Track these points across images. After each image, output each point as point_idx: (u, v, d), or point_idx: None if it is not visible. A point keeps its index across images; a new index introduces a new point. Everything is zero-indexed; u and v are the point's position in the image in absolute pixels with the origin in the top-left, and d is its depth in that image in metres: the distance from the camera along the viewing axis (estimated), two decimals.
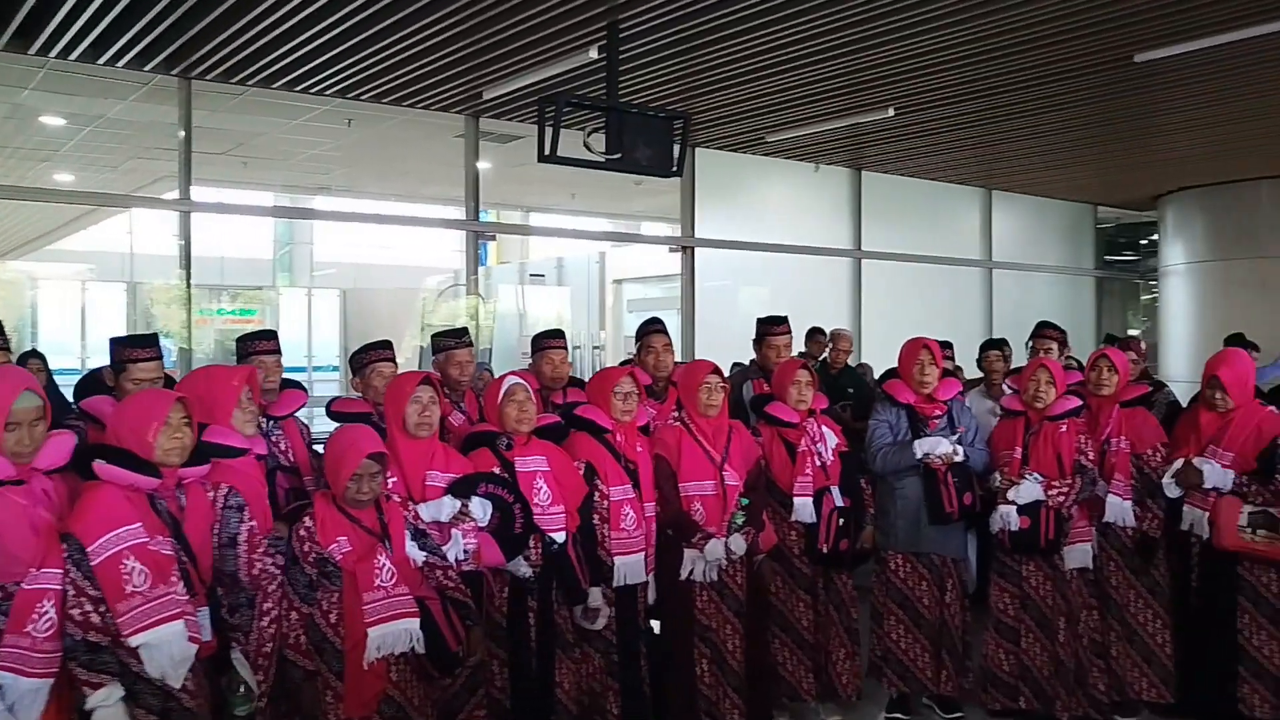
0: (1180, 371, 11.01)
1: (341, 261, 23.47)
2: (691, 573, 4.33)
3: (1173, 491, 4.79)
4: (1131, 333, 12.30)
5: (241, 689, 3.22)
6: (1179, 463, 4.78)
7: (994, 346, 6.46)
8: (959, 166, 10.79)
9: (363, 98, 7.93)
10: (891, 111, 8.06)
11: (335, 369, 20.05)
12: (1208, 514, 4.65)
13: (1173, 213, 11.85)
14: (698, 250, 9.87)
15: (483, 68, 7.09)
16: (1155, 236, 12.57)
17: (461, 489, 3.80)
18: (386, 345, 4.51)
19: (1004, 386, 6.09)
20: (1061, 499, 4.68)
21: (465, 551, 3.69)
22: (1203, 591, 4.84)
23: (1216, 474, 4.66)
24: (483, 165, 9.02)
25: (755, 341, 5.74)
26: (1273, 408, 4.84)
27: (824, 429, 4.84)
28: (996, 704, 4.87)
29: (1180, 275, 11.69)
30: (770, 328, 5.65)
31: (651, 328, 5.13)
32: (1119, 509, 4.80)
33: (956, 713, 4.91)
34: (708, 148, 9.60)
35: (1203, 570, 4.84)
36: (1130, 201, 12.89)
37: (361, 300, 21.35)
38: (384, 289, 21.57)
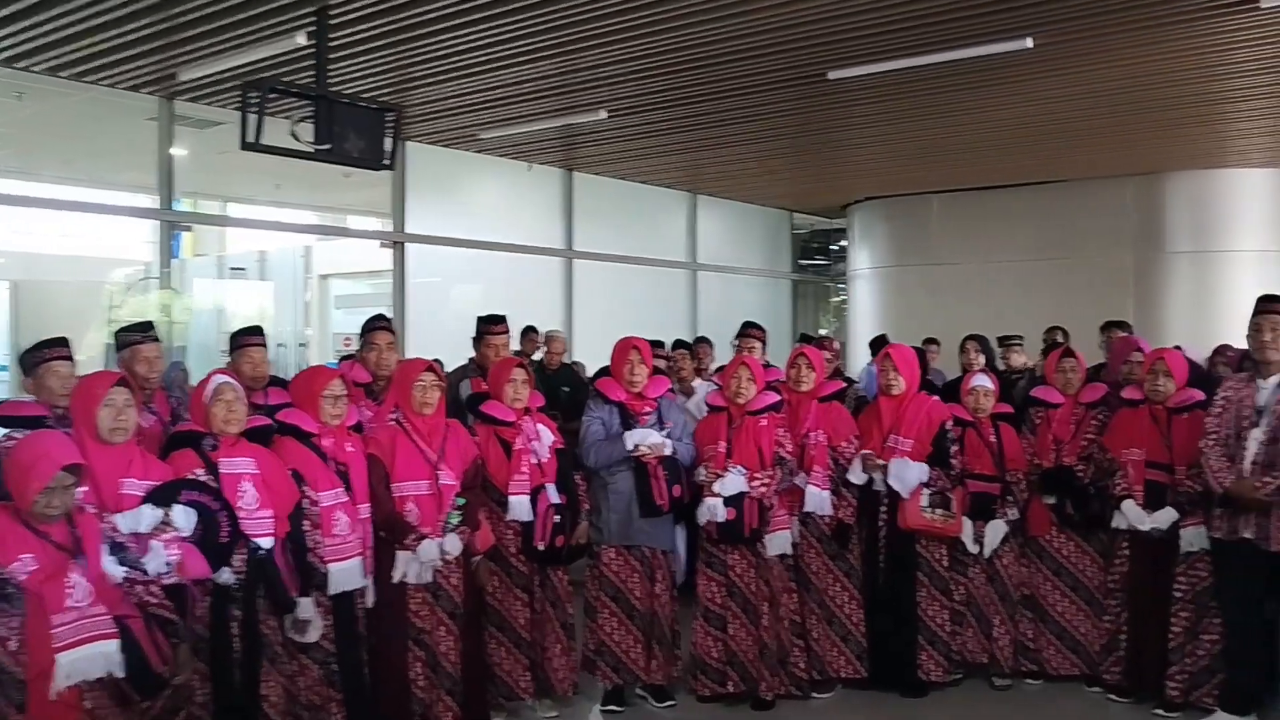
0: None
1: (11, 250, 21.27)
2: (405, 575, 4.25)
3: (859, 478, 5.19)
4: (823, 332, 13.13)
5: None
6: (863, 453, 5.18)
7: (681, 346, 6.75)
8: (667, 170, 11.14)
9: (36, 69, 7.20)
10: (604, 114, 8.21)
11: (4, 368, 18.18)
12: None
13: (859, 221, 12.74)
14: (409, 246, 9.67)
15: (178, 47, 6.63)
16: (844, 243, 13.46)
17: (162, 497, 3.53)
18: (62, 343, 4.11)
19: (694, 385, 6.41)
20: (763, 490, 4.93)
21: (167, 564, 3.42)
22: (889, 571, 5.25)
23: (912, 472, 5.08)
24: (178, 151, 8.44)
25: (474, 340, 5.68)
26: (937, 398, 5.36)
27: (540, 427, 4.87)
28: (706, 690, 5.06)
29: (865, 279, 12.59)
30: (489, 326, 5.63)
31: (376, 324, 4.99)
32: (817, 498, 5.11)
33: (669, 701, 5.06)
34: (420, 142, 9.43)
35: (889, 552, 5.25)
36: (822, 209, 13.75)
37: (36, 293, 19.43)
38: (63, 282, 19.75)
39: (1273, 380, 4.58)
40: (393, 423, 4.47)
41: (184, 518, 3.52)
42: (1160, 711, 4.88)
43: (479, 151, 9.89)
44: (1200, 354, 6.33)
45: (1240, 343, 4.99)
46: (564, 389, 7.38)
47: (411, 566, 4.25)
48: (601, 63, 6.96)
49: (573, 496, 4.88)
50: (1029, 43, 6.24)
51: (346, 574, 4.05)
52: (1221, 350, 6.43)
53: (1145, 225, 10.53)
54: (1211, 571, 4.82)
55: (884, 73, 6.91)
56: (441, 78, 7.35)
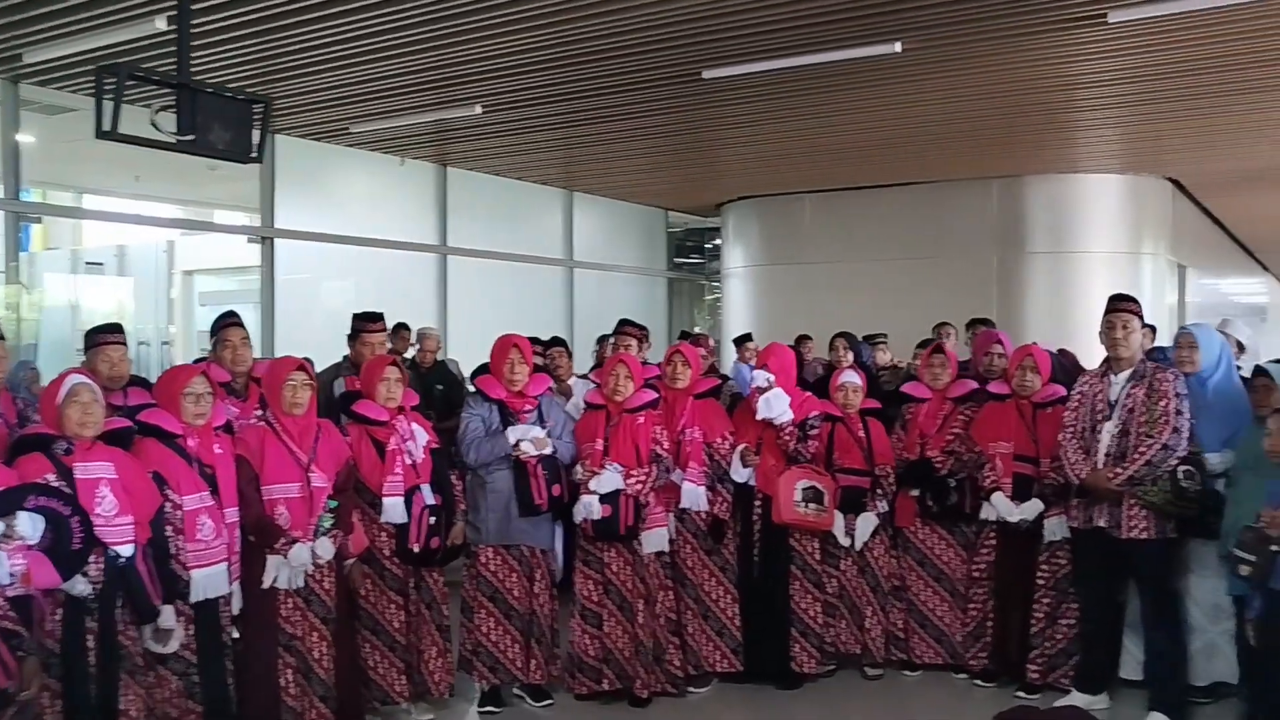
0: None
1: None
2: (275, 580, 4.13)
3: (741, 476, 5.24)
4: (698, 330, 13.25)
5: None
6: (741, 447, 5.25)
7: (558, 344, 6.74)
8: (543, 167, 11.09)
9: None
10: (479, 109, 8.12)
11: None
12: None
13: (733, 220, 12.89)
14: (278, 242, 9.40)
15: (22, 26, 6.29)
16: (719, 241, 13.61)
17: (5, 504, 3.34)
18: None
19: (575, 382, 6.41)
20: (640, 487, 4.95)
21: (12, 575, 3.23)
22: (763, 565, 5.32)
23: (782, 403, 5.18)
24: (24, 138, 8.01)
25: (349, 337, 5.57)
26: (810, 394, 5.47)
27: (414, 426, 4.79)
28: (583, 688, 5.05)
29: (739, 277, 12.75)
30: (366, 324, 5.53)
31: (227, 321, 4.83)
32: (694, 495, 5.16)
33: (546, 700, 5.04)
34: (289, 135, 9.17)
35: (764, 546, 5.32)
36: (697, 208, 13.87)
37: None
38: None
39: (1124, 375, 4.80)
40: (262, 423, 4.33)
41: (29, 525, 3.33)
42: (1022, 694, 5.07)
43: (351, 145, 9.68)
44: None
45: (1092, 339, 5.20)
46: (438, 387, 7.28)
47: (282, 571, 4.13)
48: (476, 57, 6.88)
49: (448, 497, 4.81)
50: (898, 47, 6.40)
51: (210, 580, 3.91)
52: (1060, 354, 6.69)
53: (1007, 226, 10.91)
54: (1071, 559, 5.03)
55: (758, 73, 7.00)
56: (311, 69, 7.16)
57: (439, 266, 11.05)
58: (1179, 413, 4.63)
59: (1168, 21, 6.01)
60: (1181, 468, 4.60)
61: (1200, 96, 7.66)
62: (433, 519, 4.64)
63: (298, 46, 6.64)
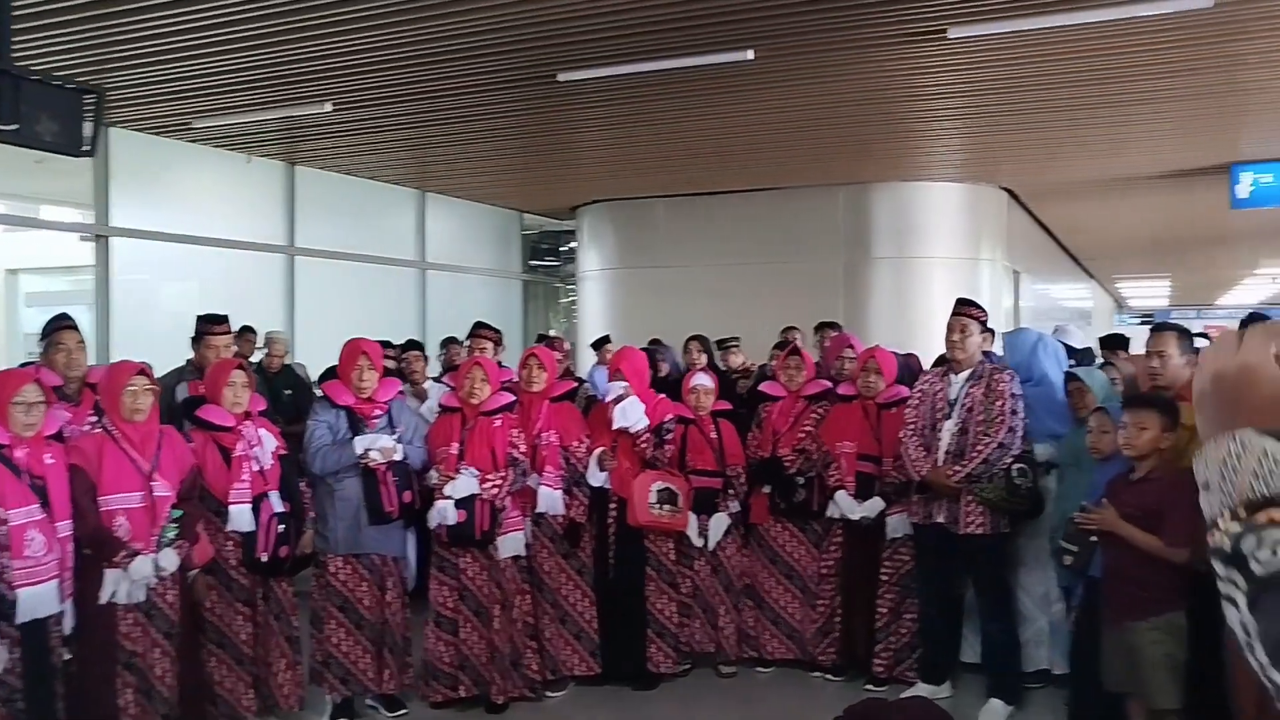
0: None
1: None
2: (114, 595, 3.95)
3: (598, 480, 5.26)
4: (553, 332, 13.22)
5: None
6: (598, 450, 5.26)
7: (414, 347, 6.65)
8: (395, 167, 10.89)
9: None
10: (328, 106, 7.92)
11: None
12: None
13: (588, 223, 12.92)
14: (114, 240, 8.98)
15: None
16: (574, 244, 13.61)
17: None
18: None
19: (430, 385, 6.33)
20: (496, 491, 4.92)
21: None
22: (619, 567, 5.36)
23: (637, 410, 5.27)
24: None
25: (193, 340, 5.37)
26: (664, 395, 5.57)
27: (261, 432, 4.65)
28: (438, 695, 5.00)
29: (595, 280, 12.78)
30: (210, 326, 5.35)
31: (60, 324, 4.61)
32: (550, 498, 5.15)
33: (401, 710, 4.96)
34: (126, 128, 8.76)
35: (618, 549, 5.36)
36: (552, 210, 13.84)
37: None
38: None
39: (963, 375, 5.01)
40: (99, 430, 4.14)
41: None
42: (870, 687, 5.23)
43: (194, 141, 9.31)
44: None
45: (933, 341, 5.42)
46: (286, 392, 7.09)
47: (122, 585, 3.95)
48: (326, 53, 6.71)
49: (297, 504, 4.69)
50: (750, 55, 6.52)
51: (39, 599, 3.72)
52: (907, 357, 6.95)
53: (854, 232, 11.23)
54: (914, 555, 5.22)
55: (613, 77, 7.03)
56: (149, 60, 6.85)
57: (287, 267, 10.73)
58: (1014, 412, 4.86)
59: (1003, 39, 6.29)
60: (1016, 465, 4.83)
61: (1031, 111, 8.05)
62: (281, 527, 4.51)
63: (134, 35, 6.34)
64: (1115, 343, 6.53)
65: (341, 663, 4.82)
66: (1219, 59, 6.65)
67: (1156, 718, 3.92)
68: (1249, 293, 26.37)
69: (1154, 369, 4.53)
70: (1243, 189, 9.84)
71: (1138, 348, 5.64)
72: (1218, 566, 1.02)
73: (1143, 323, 25.57)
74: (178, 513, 4.13)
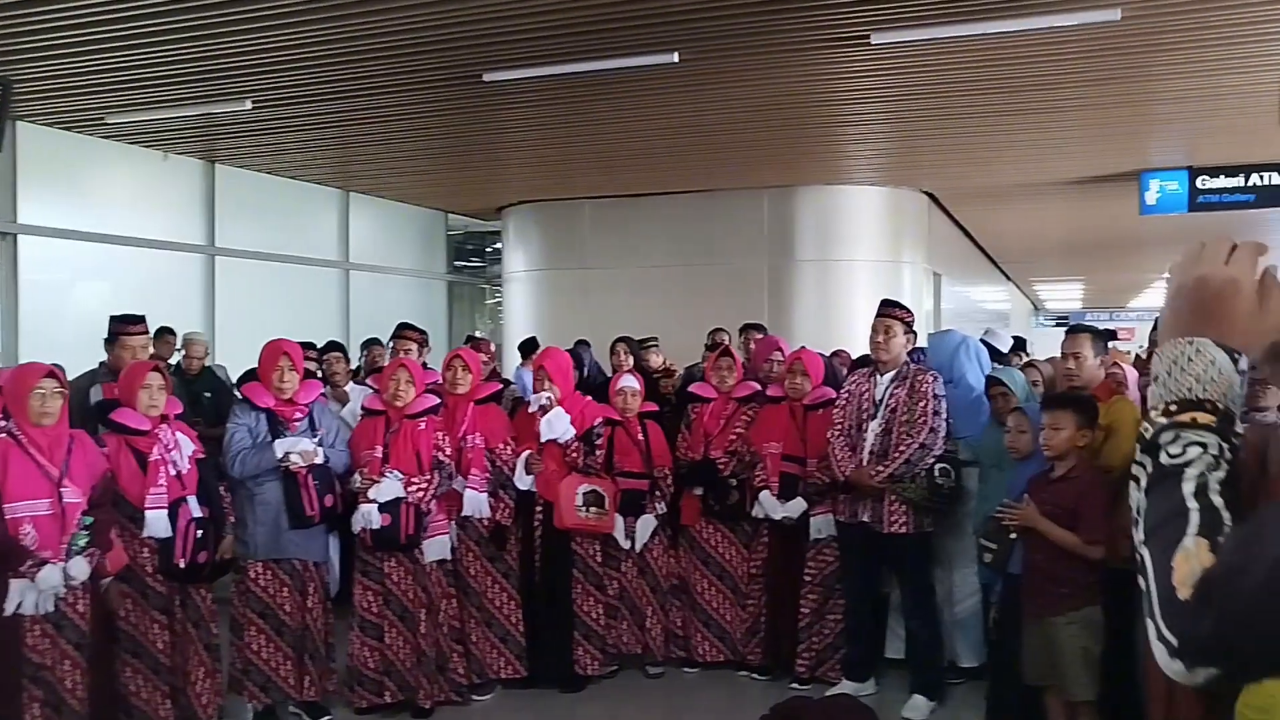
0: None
1: None
2: (21, 606, 3.82)
3: (524, 483, 5.24)
4: (479, 334, 13.14)
5: None
6: (525, 454, 5.24)
7: (335, 349, 6.56)
8: (318, 166, 10.73)
9: None
10: (249, 104, 7.77)
11: None
12: None
13: (514, 224, 12.85)
14: (21, 239, 8.70)
15: None
16: (499, 245, 13.54)
17: None
18: None
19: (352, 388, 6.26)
20: (421, 494, 4.86)
21: None
22: (545, 570, 5.34)
23: (563, 422, 5.28)
24: None
25: (107, 341, 5.23)
26: (590, 398, 5.57)
27: (179, 435, 4.54)
28: (363, 701, 4.93)
29: (521, 281, 12.72)
30: (125, 326, 5.21)
31: None
32: (475, 501, 5.11)
33: (324, 717, 4.88)
34: (35, 123, 8.50)
35: (545, 551, 5.34)
36: (478, 211, 13.74)
37: None
38: None
39: (888, 376, 5.08)
40: (4, 435, 4.00)
41: None
42: (795, 686, 5.28)
43: (108, 137, 9.07)
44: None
45: (858, 342, 5.50)
46: (206, 394, 6.92)
47: (29, 596, 3.82)
48: (245, 50, 6.58)
49: (216, 509, 4.58)
50: (675, 58, 6.55)
51: None
52: (836, 354, 7.05)
53: (778, 235, 11.33)
54: (837, 556, 5.28)
55: (539, 78, 7.01)
56: (59, 52, 6.65)
57: (206, 268, 10.51)
58: (936, 413, 4.94)
59: (924, 47, 6.40)
60: (938, 465, 4.91)
61: (951, 117, 8.20)
62: (199, 532, 4.41)
63: (44, 26, 6.15)
64: (1016, 346, 6.76)
65: (262, 670, 4.73)
66: (1129, 70, 6.85)
67: (1073, 709, 4.02)
68: (1158, 296, 27.20)
69: (1070, 370, 4.64)
70: (1151, 195, 10.14)
71: (1053, 349, 5.79)
72: (1137, 450, 1.09)
73: (1058, 325, 26.26)
74: (89, 520, 4.00)
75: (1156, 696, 3.81)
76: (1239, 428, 1.08)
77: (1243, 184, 9.83)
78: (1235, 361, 1.08)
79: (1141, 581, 1.03)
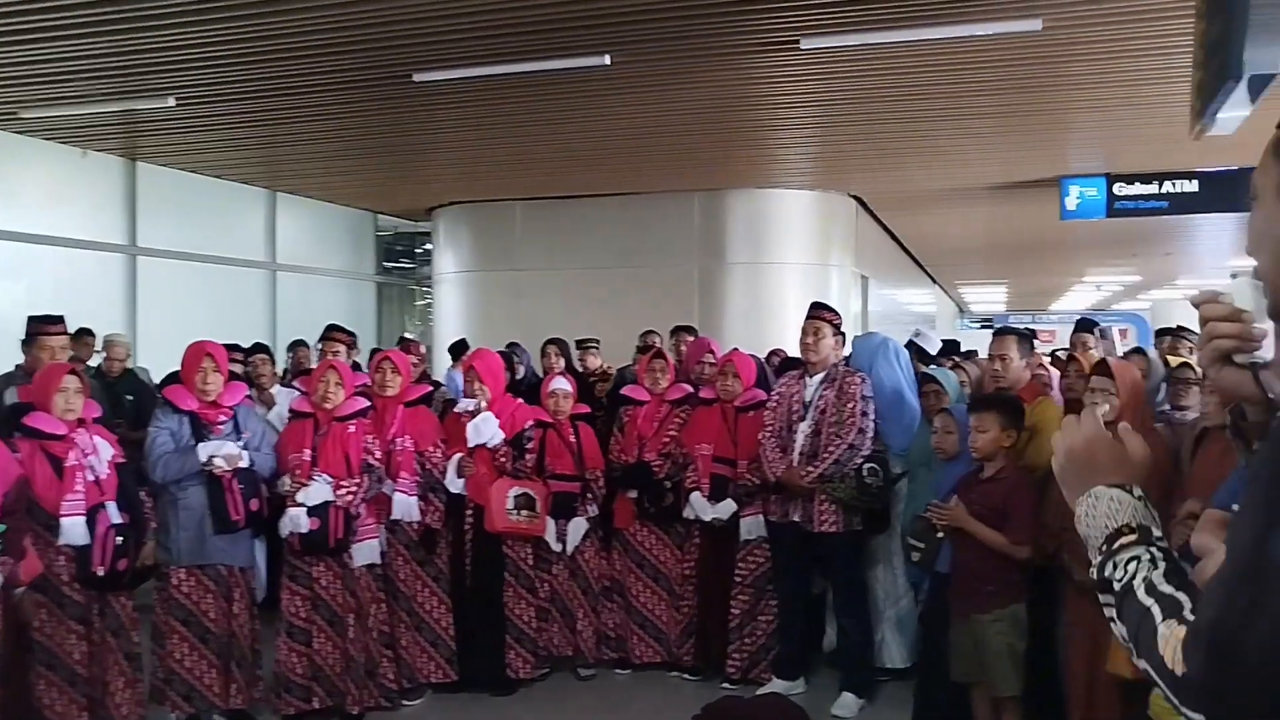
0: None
1: None
2: None
3: (456, 486, 5.20)
4: (409, 335, 13.02)
5: None
6: (457, 457, 5.21)
7: (260, 350, 6.47)
8: (243, 165, 10.54)
9: None
10: (172, 101, 7.60)
11: None
12: None
13: (444, 225, 12.75)
14: None
15: None
16: (430, 246, 13.42)
17: None
18: None
19: (279, 390, 6.16)
20: (350, 498, 4.80)
21: None
22: (476, 573, 5.30)
23: (491, 426, 5.24)
24: None
25: (24, 343, 5.08)
26: (521, 400, 5.56)
27: (97, 440, 4.43)
28: (291, 708, 4.85)
29: (451, 283, 12.62)
30: (43, 326, 5.08)
31: None
32: (405, 505, 5.06)
33: None
34: None
35: (476, 555, 5.30)
36: (407, 212, 13.62)
37: None
38: None
39: (818, 378, 5.13)
40: None
41: None
42: (727, 686, 5.30)
43: (22, 133, 8.81)
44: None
45: (788, 345, 5.54)
46: (128, 397, 6.77)
47: None
48: (168, 45, 6.43)
49: (137, 515, 4.48)
50: (607, 60, 6.54)
51: None
52: (774, 353, 7.11)
53: (709, 237, 11.39)
54: (768, 557, 5.32)
55: (469, 79, 6.95)
56: None
57: (128, 268, 10.27)
58: (864, 414, 5.00)
59: (853, 52, 6.47)
60: (867, 465, 4.97)
61: (879, 122, 8.30)
62: (119, 539, 4.31)
63: None
64: (949, 349, 6.88)
65: (185, 679, 4.63)
66: (1049, 78, 7.00)
67: (998, 705, 4.09)
68: (1079, 298, 27.87)
69: (996, 371, 4.72)
70: (1071, 201, 10.38)
71: (979, 350, 5.89)
72: (1100, 596, 1.23)
73: (983, 327, 26.76)
74: (1, 527, 3.88)
75: (1077, 691, 3.90)
76: (1158, 532, 1.24)
77: (1157, 191, 10.10)
78: (1129, 491, 1.26)
79: (1156, 688, 1.12)
